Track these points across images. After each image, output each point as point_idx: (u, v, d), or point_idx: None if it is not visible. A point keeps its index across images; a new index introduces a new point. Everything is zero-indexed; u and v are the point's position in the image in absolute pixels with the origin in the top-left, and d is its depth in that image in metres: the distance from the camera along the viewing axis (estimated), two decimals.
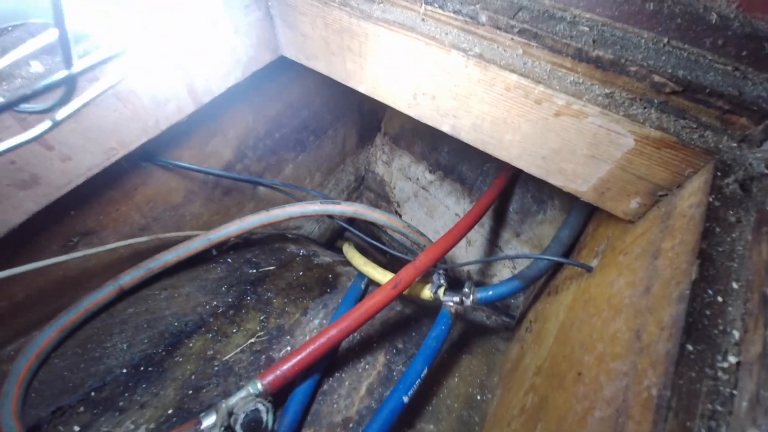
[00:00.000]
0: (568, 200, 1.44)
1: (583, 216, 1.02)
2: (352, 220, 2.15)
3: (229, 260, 1.27)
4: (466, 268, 1.73)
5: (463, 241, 1.69)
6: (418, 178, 1.79)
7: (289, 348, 1.01)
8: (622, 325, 0.48)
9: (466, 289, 1.03)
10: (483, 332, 1.28)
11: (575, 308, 0.71)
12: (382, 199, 1.93)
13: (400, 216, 1.89)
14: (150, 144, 0.78)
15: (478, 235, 1.65)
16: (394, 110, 1.94)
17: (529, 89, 0.62)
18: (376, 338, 1.11)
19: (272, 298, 1.15)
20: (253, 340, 0.99)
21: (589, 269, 0.74)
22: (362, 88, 0.87)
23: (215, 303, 1.10)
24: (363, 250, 1.84)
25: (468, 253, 1.69)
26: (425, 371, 0.90)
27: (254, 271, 1.25)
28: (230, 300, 1.11)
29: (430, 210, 1.78)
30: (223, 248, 1.30)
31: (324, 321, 1.11)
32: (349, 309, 1.13)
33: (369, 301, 0.95)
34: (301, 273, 1.30)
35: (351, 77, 0.85)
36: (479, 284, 1.72)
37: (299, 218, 1.16)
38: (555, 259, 0.81)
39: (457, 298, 1.03)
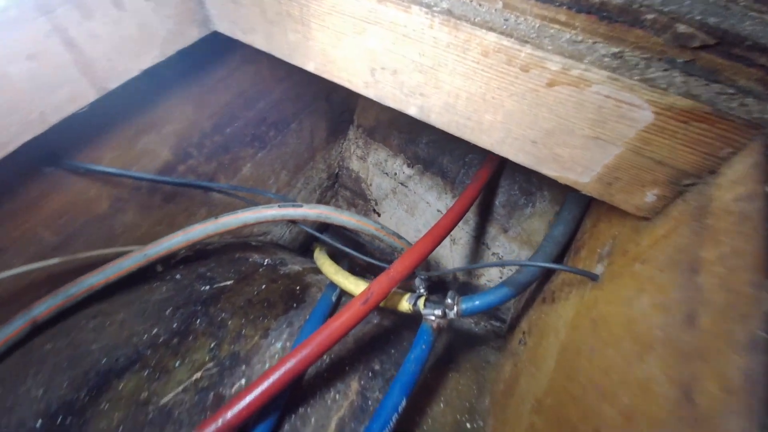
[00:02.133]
0: (560, 190, 1.31)
1: (579, 209, 0.89)
2: (326, 225, 2.00)
3: (178, 277, 1.10)
4: (451, 266, 1.59)
5: (447, 240, 1.56)
6: (396, 173, 1.64)
7: (243, 381, 0.85)
8: (656, 371, 0.34)
9: (449, 300, 0.89)
10: (471, 342, 1.15)
11: (580, 327, 0.57)
12: (359, 197, 1.78)
13: (379, 215, 1.75)
14: (47, 143, 0.62)
15: (463, 232, 1.52)
16: (367, 99, 1.78)
17: (512, 53, 0.48)
18: (349, 359, 0.97)
19: (227, 319, 0.99)
20: (198, 374, 0.83)
21: (594, 278, 0.60)
22: (311, 66, 0.71)
23: (156, 331, 0.94)
24: (339, 256, 1.70)
25: (453, 252, 1.56)
26: (403, 402, 0.76)
27: (207, 287, 1.09)
28: (175, 325, 0.95)
29: (411, 207, 1.64)
30: (171, 263, 1.14)
31: (288, 343, 0.96)
32: (318, 326, 0.99)
33: (335, 322, 0.80)
34: (263, 286, 1.14)
35: (295, 52, 0.70)
36: (465, 288, 1.59)
37: (256, 225, 1.00)
38: (552, 266, 0.67)
39: (438, 311, 0.89)
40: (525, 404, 0.64)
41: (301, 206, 1.00)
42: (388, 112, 1.62)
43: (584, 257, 0.74)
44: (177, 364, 0.85)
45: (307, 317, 1.03)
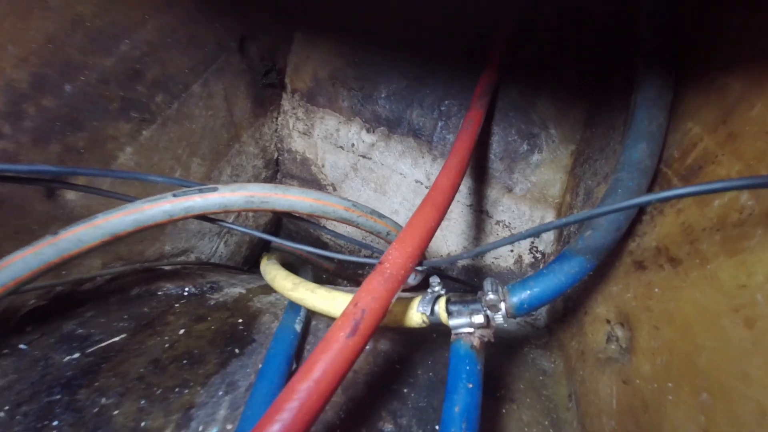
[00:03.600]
0: (574, 120, 1.01)
1: (663, 112, 0.56)
2: (277, 225, 1.56)
3: (23, 346, 0.65)
4: (444, 251, 1.25)
5: None
6: (353, 144, 1.26)
7: None
8: None
9: (491, 294, 0.53)
10: (507, 344, 0.80)
11: None
12: (310, 184, 1.38)
13: None
14: None
15: (454, 202, 1.17)
16: (301, 50, 1.38)
17: None
18: (341, 425, 0.58)
19: (112, 407, 0.56)
20: None
21: None
22: None
23: None
24: (300, 264, 1.29)
25: (444, 231, 1.21)
26: None
27: (77, 356, 0.64)
28: None
29: (380, 184, 1.27)
30: (12, 325, 0.68)
31: (230, 426, 0.55)
32: (279, 383, 0.59)
33: (304, 383, 0.42)
34: (182, 332, 0.71)
35: None
36: (469, 274, 1.23)
37: (135, 233, 0.57)
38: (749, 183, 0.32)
39: (478, 317, 0.52)
40: None
41: (215, 189, 0.59)
42: (329, 65, 1.23)
43: (732, 174, 0.41)
44: None
45: (259, 368, 0.63)
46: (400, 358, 0.73)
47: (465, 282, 1.13)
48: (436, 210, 0.64)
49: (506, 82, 1.08)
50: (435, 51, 1.14)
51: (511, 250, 1.13)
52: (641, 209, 0.57)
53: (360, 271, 1.48)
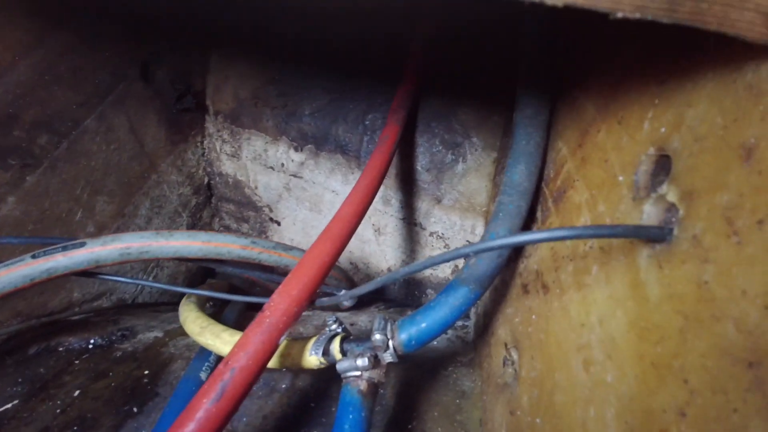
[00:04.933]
0: (494, 127, 1.01)
1: (539, 131, 0.56)
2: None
3: None
4: (384, 266, 1.23)
5: (370, 232, 1.19)
6: (282, 164, 1.22)
7: None
8: None
9: (377, 334, 0.51)
10: (427, 362, 0.79)
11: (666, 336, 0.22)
12: (246, 207, 1.33)
13: (279, 223, 1.32)
14: None
15: (387, 216, 1.16)
16: (219, 71, 1.31)
17: None
18: None
19: None
20: None
21: (661, 236, 0.26)
22: None
23: None
24: (245, 288, 1.24)
25: (381, 245, 1.19)
26: None
27: None
28: None
29: (314, 202, 1.23)
30: None
31: None
32: None
33: None
34: (76, 394, 0.66)
35: None
36: (410, 288, 1.21)
37: None
38: (582, 234, 0.30)
39: (363, 360, 0.50)
40: None
41: (82, 245, 0.55)
42: (249, 83, 1.19)
43: (582, 203, 0.41)
44: None
45: (154, 428, 0.59)
46: (317, 394, 0.70)
47: (397, 301, 1.12)
48: (333, 244, 0.61)
49: (427, 92, 1.06)
50: (355, 65, 1.12)
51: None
52: (527, 226, 0.56)
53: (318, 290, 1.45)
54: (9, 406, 0.65)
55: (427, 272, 1.16)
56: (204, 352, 0.72)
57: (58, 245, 0.54)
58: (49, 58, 0.75)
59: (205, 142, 1.28)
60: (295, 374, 0.74)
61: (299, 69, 1.16)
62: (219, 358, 0.73)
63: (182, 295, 1.30)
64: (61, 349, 0.76)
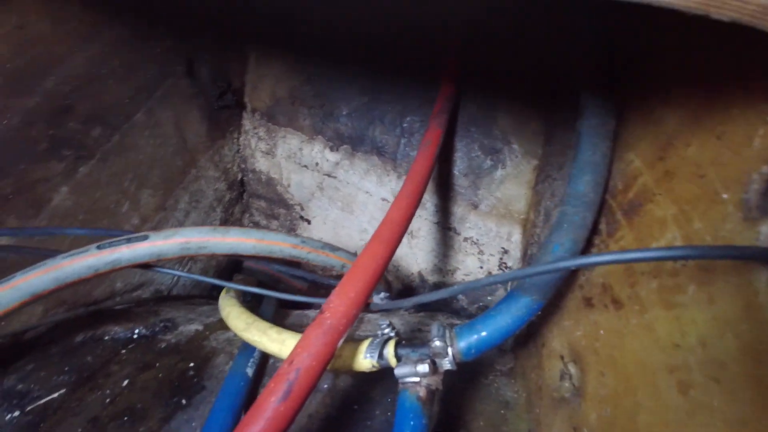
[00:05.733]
0: (535, 134, 0.99)
1: (606, 142, 0.55)
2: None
3: None
4: (415, 269, 1.23)
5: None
6: (317, 163, 1.23)
7: None
8: None
9: (437, 341, 0.51)
10: (474, 375, 0.78)
11: None
12: (277, 204, 1.34)
13: (309, 222, 1.32)
14: None
15: (421, 220, 1.15)
16: (258, 70, 1.33)
17: None
18: None
19: None
20: None
21: None
22: None
23: None
24: (269, 284, 1.25)
25: (414, 248, 1.19)
26: None
27: (16, 414, 0.60)
28: None
29: (347, 203, 1.24)
30: None
31: None
32: None
33: None
34: (125, 383, 0.67)
35: None
36: (439, 290, 1.19)
37: (57, 291, 0.53)
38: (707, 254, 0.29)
39: (423, 366, 0.50)
40: None
41: (145, 238, 0.56)
42: (287, 82, 1.20)
43: (667, 217, 0.39)
44: None
45: (205, 421, 0.59)
46: (359, 396, 0.70)
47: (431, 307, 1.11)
48: (385, 247, 0.61)
49: (466, 96, 1.06)
50: (393, 66, 1.11)
51: (481, 267, 1.11)
52: (589, 239, 0.55)
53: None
54: (56, 395, 0.66)
55: (459, 278, 1.15)
56: (248, 348, 0.72)
57: (122, 237, 0.55)
58: (104, 52, 0.77)
59: (241, 139, 1.29)
60: (336, 375, 0.74)
61: (336, 69, 1.16)
62: (263, 355, 0.74)
63: (213, 288, 1.32)
64: (107, 338, 0.78)
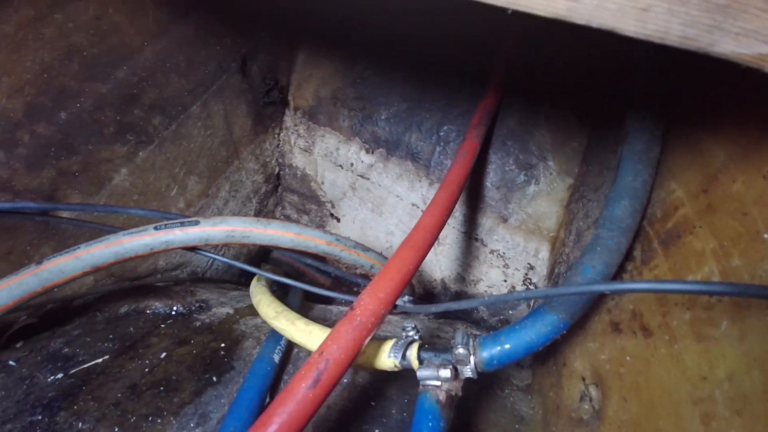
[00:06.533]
0: (573, 153, 0.99)
1: (649, 168, 0.55)
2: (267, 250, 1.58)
3: (12, 363, 0.67)
4: (438, 276, 1.24)
5: None
6: (352, 164, 1.27)
7: None
8: None
9: (460, 348, 0.52)
10: (489, 386, 0.79)
11: None
12: (309, 200, 1.39)
13: (338, 220, 1.36)
14: None
15: (448, 227, 1.17)
16: (305, 71, 1.39)
17: None
18: None
19: None
20: None
21: None
22: None
23: None
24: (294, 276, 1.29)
25: (438, 256, 1.20)
26: None
27: (61, 376, 0.66)
28: None
29: (377, 204, 1.27)
30: (2, 342, 0.70)
31: None
32: (249, 418, 0.59)
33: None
34: (163, 356, 0.73)
35: None
36: (460, 299, 1.18)
37: (115, 264, 0.59)
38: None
39: (446, 371, 0.52)
40: None
41: (196, 223, 0.60)
42: (330, 84, 1.24)
43: (706, 251, 0.40)
44: None
45: (234, 400, 0.63)
46: (376, 393, 0.72)
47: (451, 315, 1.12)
48: (416, 252, 0.63)
49: (505, 109, 1.06)
50: (435, 76, 1.14)
51: (504, 280, 1.11)
52: (621, 265, 0.55)
53: (355, 289, 1.48)
54: (99, 360, 0.72)
55: (482, 289, 1.15)
56: (275, 335, 0.76)
57: (176, 221, 0.60)
58: (170, 47, 0.83)
59: (282, 134, 1.34)
60: (355, 371, 0.77)
61: (381, 75, 1.20)
62: (290, 343, 0.77)
63: (241, 275, 1.38)
64: (148, 312, 0.83)
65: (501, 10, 0.28)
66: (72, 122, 0.69)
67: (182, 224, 0.59)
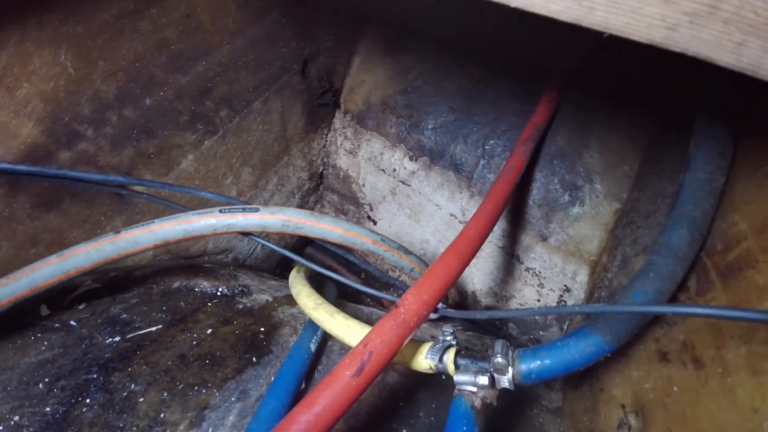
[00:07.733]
0: (623, 177, 0.97)
1: (710, 198, 0.54)
2: (307, 241, 1.63)
3: (72, 323, 0.73)
4: (469, 288, 1.24)
5: None
6: (395, 169, 1.29)
7: None
8: None
9: (499, 357, 0.53)
10: (518, 405, 0.78)
11: None
12: (349, 201, 1.43)
13: (375, 222, 1.39)
14: None
15: (486, 241, 1.16)
16: (358, 76, 1.45)
17: None
18: None
19: (139, 394, 0.62)
20: None
21: None
22: None
23: (16, 420, 0.56)
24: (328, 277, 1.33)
25: (473, 268, 1.21)
26: None
27: (118, 339, 0.72)
28: (48, 410, 0.58)
29: (415, 211, 1.29)
30: (66, 301, 0.77)
31: None
32: (285, 400, 0.62)
33: (305, 414, 0.44)
34: (209, 332, 0.77)
35: None
36: (499, 329, 1.18)
37: (182, 240, 0.64)
38: None
39: (483, 378, 0.52)
40: None
41: (256, 210, 0.64)
42: (381, 90, 1.28)
43: (764, 286, 0.39)
44: None
45: (271, 382, 0.67)
46: (406, 395, 0.74)
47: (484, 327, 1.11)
48: (459, 259, 0.65)
49: (556, 126, 1.06)
50: (486, 90, 1.15)
51: (538, 300, 1.10)
52: (674, 294, 0.54)
53: (392, 291, 1.50)
54: (153, 329, 0.77)
55: (515, 305, 1.14)
56: (313, 326, 0.79)
57: (239, 206, 0.65)
58: (244, 46, 0.89)
59: (329, 135, 1.40)
60: (385, 370, 0.79)
61: (431, 85, 1.22)
62: (325, 335, 0.80)
63: (277, 266, 1.43)
64: (197, 289, 0.89)
65: (574, 28, 0.30)
66: (154, 109, 0.75)
67: (244, 210, 0.64)
